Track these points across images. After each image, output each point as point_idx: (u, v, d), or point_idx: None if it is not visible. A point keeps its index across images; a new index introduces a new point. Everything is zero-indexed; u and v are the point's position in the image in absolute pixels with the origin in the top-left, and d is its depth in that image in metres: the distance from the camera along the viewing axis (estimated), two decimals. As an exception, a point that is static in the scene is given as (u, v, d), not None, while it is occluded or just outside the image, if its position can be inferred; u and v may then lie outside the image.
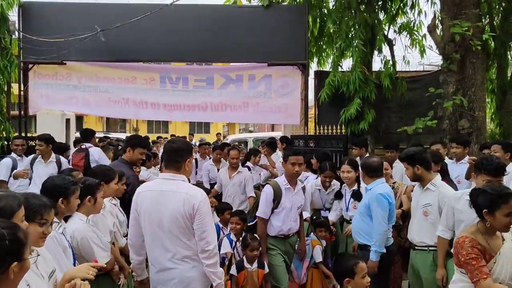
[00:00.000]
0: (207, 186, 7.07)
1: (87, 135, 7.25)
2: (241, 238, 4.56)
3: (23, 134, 8.40)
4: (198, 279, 2.92)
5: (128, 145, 4.66)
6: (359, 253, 4.05)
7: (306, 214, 5.08)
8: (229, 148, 6.91)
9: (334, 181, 5.45)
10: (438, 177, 3.77)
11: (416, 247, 3.71)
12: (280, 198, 4.17)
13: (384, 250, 3.73)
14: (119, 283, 3.52)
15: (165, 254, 2.91)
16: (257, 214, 4.30)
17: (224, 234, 5.00)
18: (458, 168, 5.43)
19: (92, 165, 6.29)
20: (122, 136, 15.37)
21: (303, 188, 4.45)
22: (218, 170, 7.10)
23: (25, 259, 1.51)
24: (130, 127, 28.18)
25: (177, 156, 2.97)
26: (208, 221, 2.92)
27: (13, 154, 6.53)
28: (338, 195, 5.30)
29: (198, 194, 2.90)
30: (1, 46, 8.09)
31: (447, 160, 5.73)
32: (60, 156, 6.25)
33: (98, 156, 6.59)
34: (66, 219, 3.11)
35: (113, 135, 15.88)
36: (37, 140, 6.11)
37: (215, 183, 6.77)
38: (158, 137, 15.24)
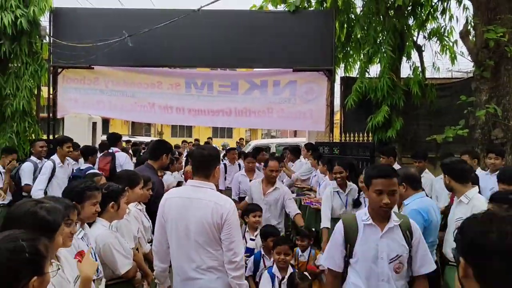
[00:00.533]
0: (235, 198, 6.54)
1: (113, 139, 7.36)
2: (286, 276, 3.75)
3: (51, 137, 8.56)
4: None
5: (164, 152, 4.70)
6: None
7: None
8: (267, 158, 5.95)
9: (350, 183, 5.31)
10: (473, 189, 3.59)
11: (450, 263, 3.56)
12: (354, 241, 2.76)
13: None
14: (142, 291, 3.50)
15: (190, 264, 2.86)
16: (322, 262, 3.22)
17: (265, 266, 4.15)
18: (493, 180, 5.19)
19: (117, 169, 6.36)
20: (147, 139, 15.57)
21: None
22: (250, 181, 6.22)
23: (45, 273, 1.46)
24: (155, 131, 28.52)
25: (207, 163, 2.94)
26: (236, 231, 2.88)
27: (32, 158, 6.67)
28: (356, 203, 5.15)
29: (227, 204, 2.86)
30: (32, 50, 8.24)
31: (479, 171, 5.50)
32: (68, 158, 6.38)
33: (123, 160, 6.66)
34: (90, 225, 3.11)
35: (138, 138, 16.11)
36: (65, 143, 6.15)
37: (245, 196, 5.92)
38: (183, 141, 15.36)
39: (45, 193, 5.85)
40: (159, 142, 5.26)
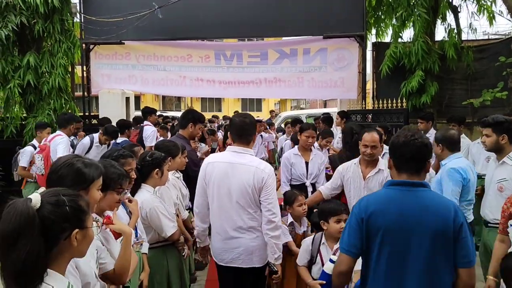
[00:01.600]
0: (286, 186, 5.04)
1: (145, 113, 7.60)
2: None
3: (86, 114, 8.80)
4: (261, 248, 3.05)
5: (190, 121, 4.69)
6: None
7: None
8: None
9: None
10: None
11: (489, 224, 3.49)
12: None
13: None
14: (183, 254, 3.63)
15: (231, 224, 3.03)
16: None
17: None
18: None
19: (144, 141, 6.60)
20: (178, 114, 15.79)
21: None
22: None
23: (87, 227, 1.53)
24: (185, 105, 28.78)
25: (248, 131, 3.09)
26: (274, 194, 3.02)
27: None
28: None
29: (267, 168, 3.03)
30: (64, 28, 8.38)
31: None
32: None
33: (147, 133, 6.86)
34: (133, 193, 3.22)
35: (169, 113, 16.35)
36: (105, 135, 6.26)
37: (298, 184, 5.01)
38: (214, 116, 15.51)
39: None
40: (186, 111, 5.28)
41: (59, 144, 5.83)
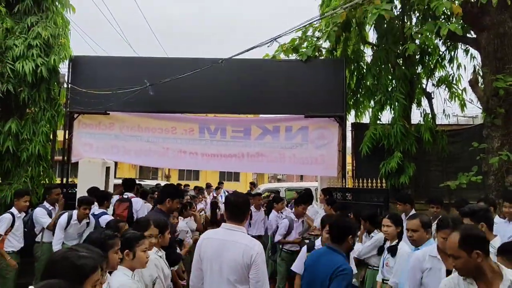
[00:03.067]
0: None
1: (130, 185, 7.40)
2: None
3: (64, 180, 8.62)
4: None
5: (167, 196, 4.73)
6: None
7: None
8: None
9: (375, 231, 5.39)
10: (497, 238, 3.60)
11: None
12: None
13: None
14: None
15: None
16: None
17: None
18: (511, 228, 5.17)
19: (135, 215, 6.40)
20: (154, 183, 15.58)
21: None
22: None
23: None
24: (162, 174, 28.56)
25: (241, 210, 3.32)
26: (263, 271, 3.19)
27: (45, 204, 6.71)
28: (380, 251, 5.12)
29: (256, 246, 3.20)
30: (50, 97, 8.44)
31: (497, 219, 5.46)
32: (90, 216, 6.30)
33: (139, 206, 6.68)
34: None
35: (146, 182, 16.10)
36: (82, 205, 6.14)
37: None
38: (186, 185, 15.15)
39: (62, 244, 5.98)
40: (164, 186, 5.34)
41: None
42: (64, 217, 6.17)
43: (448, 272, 3.17)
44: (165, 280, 4.04)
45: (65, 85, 8.66)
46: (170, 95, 8.41)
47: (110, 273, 3.09)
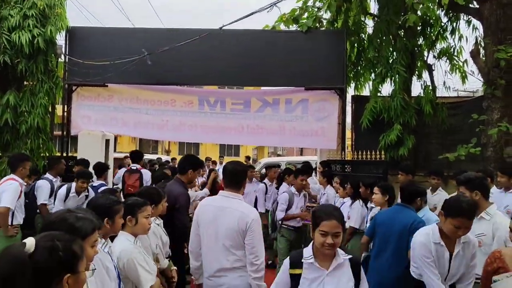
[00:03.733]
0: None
1: (137, 156, 7.47)
2: None
3: (64, 154, 8.63)
4: (244, 287, 3.27)
5: (190, 167, 4.81)
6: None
7: None
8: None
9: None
10: (493, 206, 3.62)
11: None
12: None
13: None
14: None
15: (217, 264, 3.31)
16: None
17: None
18: (507, 198, 5.22)
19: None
20: (154, 157, 15.66)
21: None
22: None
23: (79, 271, 1.54)
24: (162, 148, 28.62)
25: (239, 177, 3.40)
26: (258, 237, 3.24)
27: (48, 175, 6.68)
28: None
29: (252, 213, 3.29)
30: (48, 69, 8.39)
31: (494, 189, 5.51)
32: (89, 188, 6.22)
33: (148, 178, 6.76)
34: (112, 238, 3.13)
35: (146, 156, 16.17)
36: (80, 178, 6.04)
37: None
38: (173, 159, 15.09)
39: None
40: (186, 157, 5.25)
41: (6, 191, 5.18)
42: (63, 190, 6.15)
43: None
44: (164, 247, 4.11)
45: (63, 57, 8.58)
46: (169, 67, 8.35)
47: (112, 239, 3.14)
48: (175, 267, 4.31)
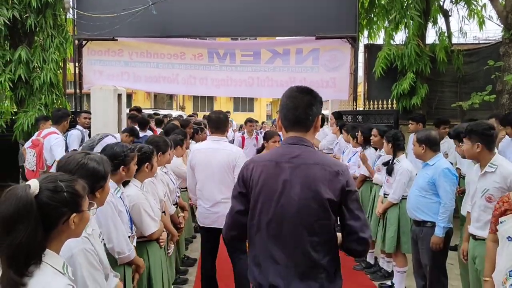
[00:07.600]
0: None
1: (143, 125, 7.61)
2: None
3: (78, 110, 8.74)
4: None
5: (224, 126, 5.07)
6: (414, 229, 3.96)
7: None
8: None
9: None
10: (496, 156, 3.24)
11: (477, 237, 3.24)
12: None
13: (452, 226, 3.70)
14: (168, 250, 3.66)
15: (213, 196, 3.96)
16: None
17: None
18: (512, 148, 5.08)
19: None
20: (169, 112, 15.79)
21: None
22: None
23: (83, 210, 1.59)
24: (177, 104, 28.70)
25: (222, 123, 4.07)
26: None
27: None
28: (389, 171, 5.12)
29: (239, 152, 4.05)
30: (56, 23, 8.36)
31: (507, 137, 5.40)
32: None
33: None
34: (124, 184, 3.22)
35: (161, 111, 16.32)
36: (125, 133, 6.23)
37: None
38: (193, 113, 15.18)
39: None
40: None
41: (55, 145, 5.66)
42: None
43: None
44: (171, 194, 4.24)
45: (71, 11, 8.51)
46: (176, 18, 8.24)
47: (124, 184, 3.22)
48: (182, 214, 4.45)
